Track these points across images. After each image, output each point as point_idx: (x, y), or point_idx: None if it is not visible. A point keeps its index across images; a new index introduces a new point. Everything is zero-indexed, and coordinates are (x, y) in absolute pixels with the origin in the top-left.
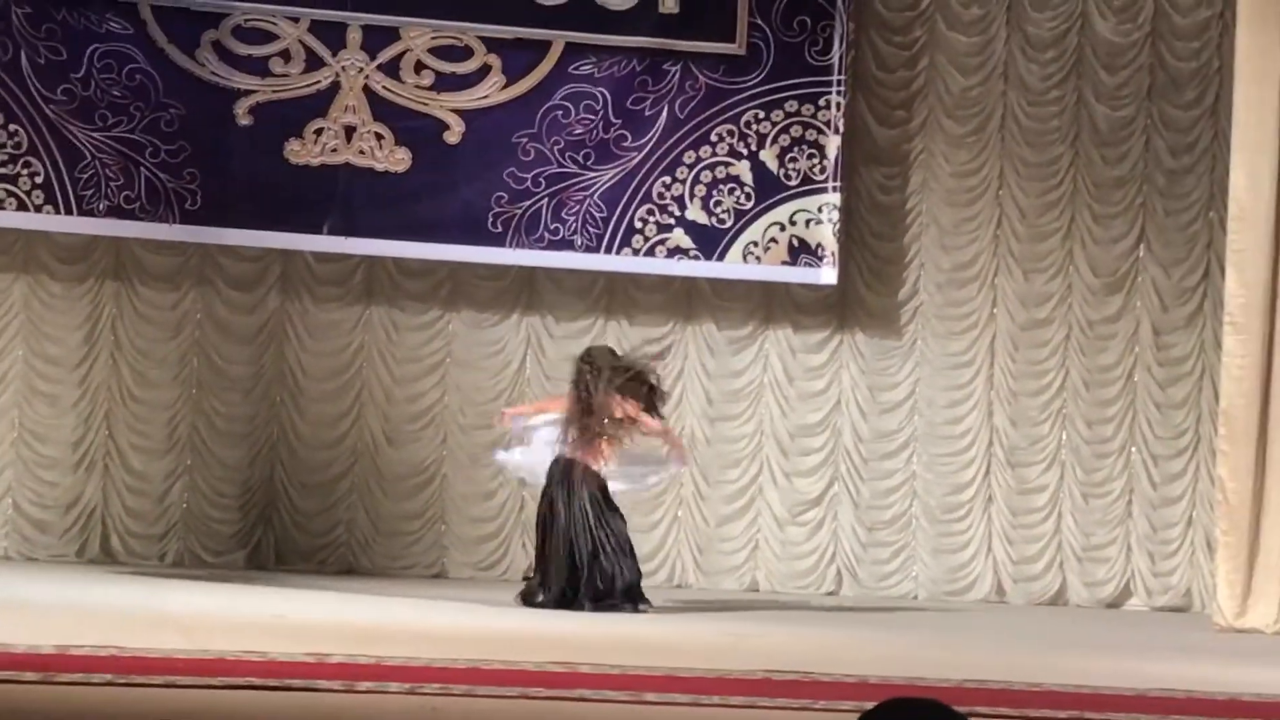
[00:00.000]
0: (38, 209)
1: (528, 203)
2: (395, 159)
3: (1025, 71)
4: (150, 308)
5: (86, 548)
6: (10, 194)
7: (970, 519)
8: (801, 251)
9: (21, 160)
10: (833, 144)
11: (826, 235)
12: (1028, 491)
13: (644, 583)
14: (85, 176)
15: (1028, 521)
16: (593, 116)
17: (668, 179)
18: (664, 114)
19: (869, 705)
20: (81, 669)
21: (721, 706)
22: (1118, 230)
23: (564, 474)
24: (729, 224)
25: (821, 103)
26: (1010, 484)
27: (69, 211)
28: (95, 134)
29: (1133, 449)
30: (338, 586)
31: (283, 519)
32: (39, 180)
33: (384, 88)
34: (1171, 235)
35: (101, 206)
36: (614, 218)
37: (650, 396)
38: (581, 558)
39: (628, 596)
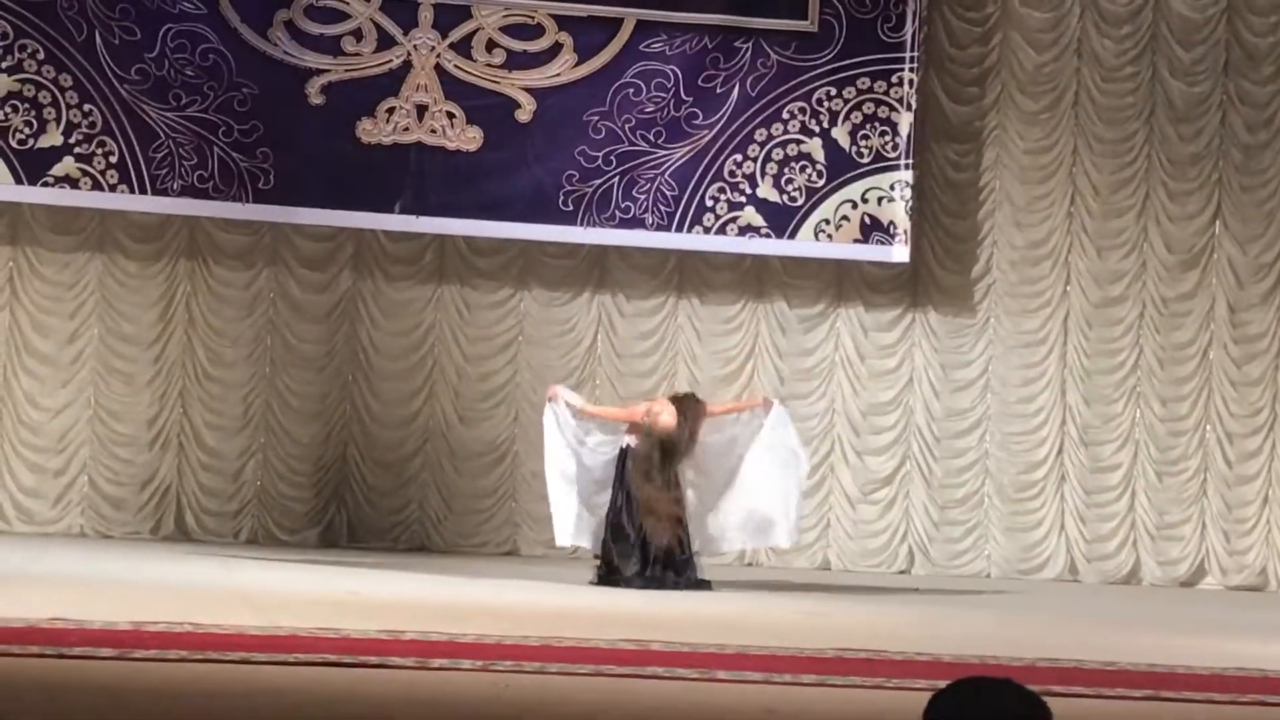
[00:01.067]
0: (112, 188)
1: (599, 181)
2: (467, 138)
3: (1099, 47)
4: (224, 286)
5: (161, 525)
6: (85, 173)
7: (1043, 497)
8: (873, 229)
9: (96, 140)
10: (905, 121)
11: (899, 213)
12: (1101, 470)
13: (714, 560)
14: (159, 156)
15: (1101, 500)
16: (664, 94)
17: (739, 157)
18: (735, 91)
19: (942, 684)
20: (157, 645)
21: (793, 685)
22: (1193, 207)
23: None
24: (800, 202)
25: (894, 79)
26: (1083, 462)
27: (143, 191)
28: (169, 114)
29: (1208, 427)
30: (410, 564)
31: (355, 497)
32: (114, 160)
33: (455, 66)
34: (1248, 211)
35: (175, 186)
36: (685, 196)
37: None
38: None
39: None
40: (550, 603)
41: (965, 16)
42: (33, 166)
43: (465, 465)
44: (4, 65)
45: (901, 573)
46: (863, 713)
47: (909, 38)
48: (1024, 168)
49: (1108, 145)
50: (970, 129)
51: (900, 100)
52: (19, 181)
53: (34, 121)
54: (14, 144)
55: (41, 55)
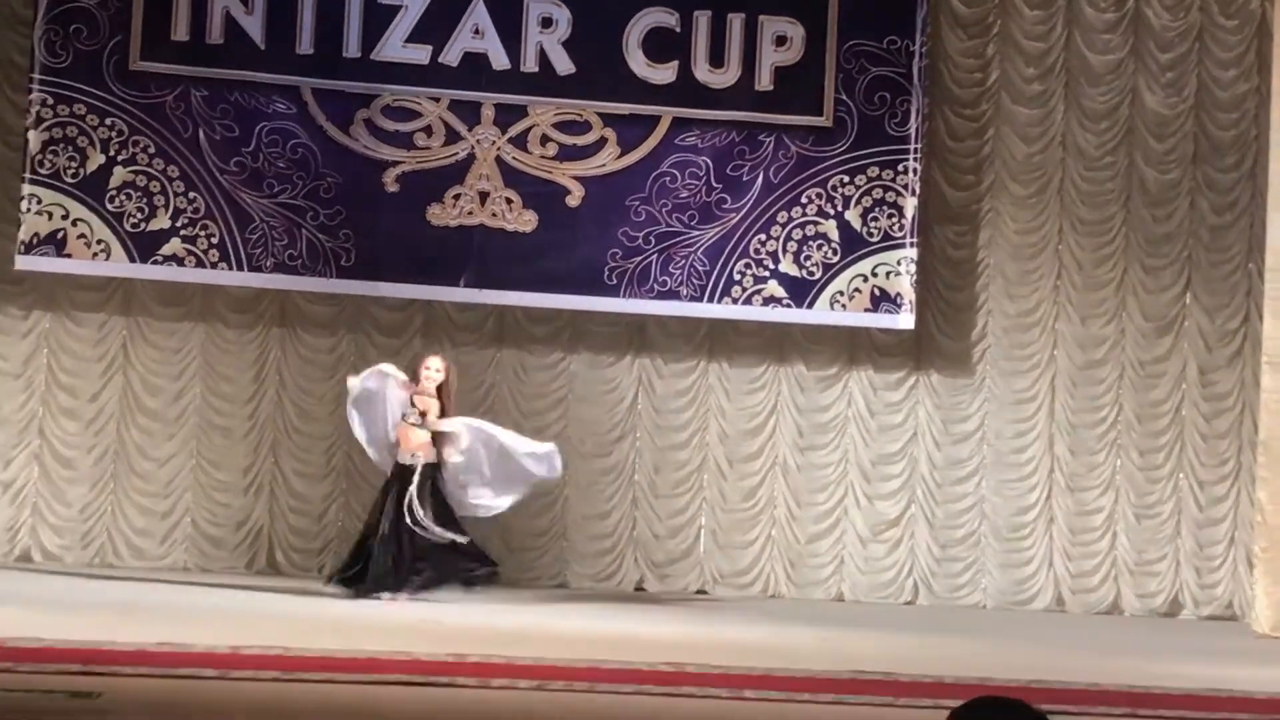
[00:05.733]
0: (213, 266)
1: (639, 258)
2: (523, 220)
3: (1082, 140)
4: (310, 351)
5: (254, 561)
6: (190, 253)
7: (1034, 537)
8: (882, 300)
9: (200, 224)
10: (910, 205)
11: (905, 285)
12: (1086, 513)
13: (740, 592)
14: (254, 237)
15: (1085, 540)
16: (697, 182)
17: (763, 236)
18: (760, 179)
19: (946, 703)
20: (252, 667)
21: (812, 703)
22: (1166, 280)
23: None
24: (818, 276)
25: (900, 168)
26: (1070, 506)
27: (240, 268)
28: (263, 200)
29: (1180, 475)
30: (474, 595)
31: None
32: (215, 241)
33: (513, 158)
34: (1214, 284)
35: (268, 263)
36: (715, 270)
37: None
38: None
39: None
40: (597, 629)
41: (962, 113)
42: (144, 247)
43: (521, 508)
44: (120, 158)
45: (908, 603)
46: None
47: (913, 132)
48: (1015, 246)
49: (1089, 226)
50: (967, 212)
51: (905, 187)
52: (132, 260)
53: (145, 208)
54: (128, 227)
55: (152, 150)
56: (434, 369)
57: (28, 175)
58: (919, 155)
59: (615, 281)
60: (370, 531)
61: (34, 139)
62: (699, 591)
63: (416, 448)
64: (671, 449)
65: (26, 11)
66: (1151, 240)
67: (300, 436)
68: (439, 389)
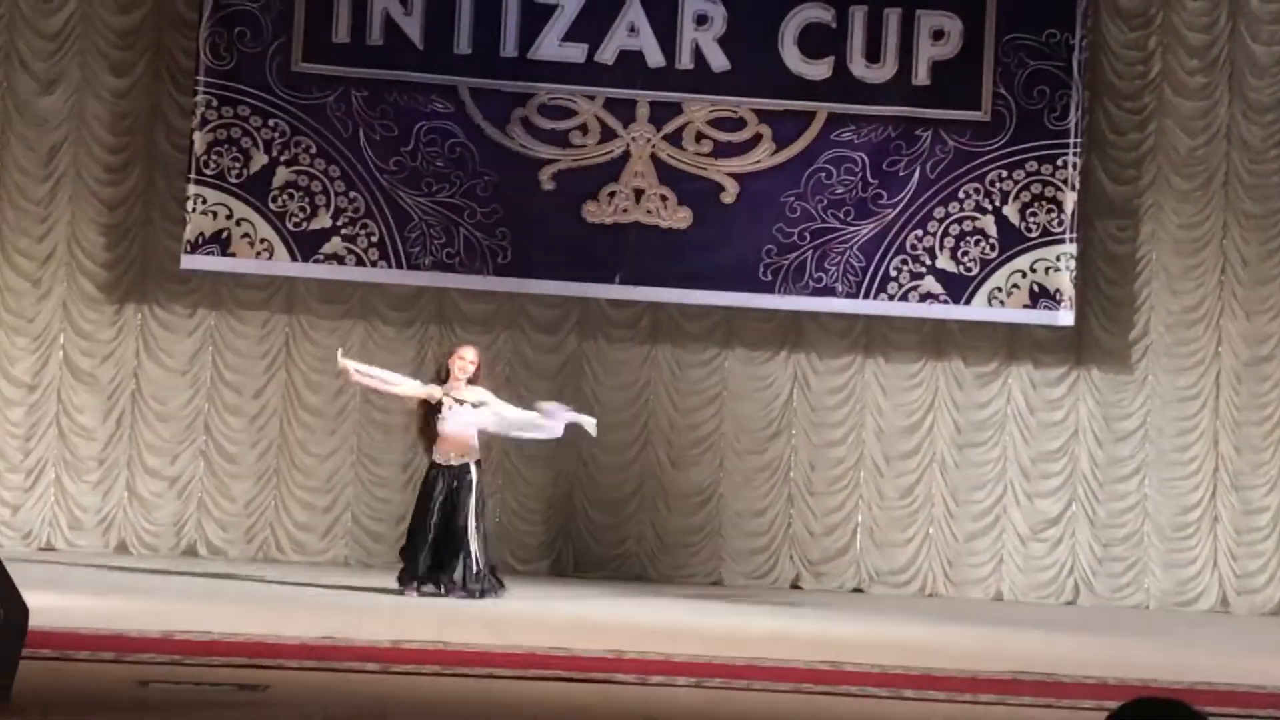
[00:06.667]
0: (373, 264)
1: (794, 254)
2: (678, 217)
3: (1247, 133)
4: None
5: None
6: (350, 251)
7: (1198, 537)
8: (1041, 296)
9: (360, 222)
10: (1069, 199)
11: (1064, 281)
12: (1251, 512)
13: (897, 591)
14: (413, 236)
15: (1251, 539)
16: (852, 177)
17: (920, 232)
18: (916, 174)
19: (1108, 705)
20: (413, 661)
21: (972, 704)
22: None
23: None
24: (975, 271)
25: (1059, 163)
26: (1235, 505)
27: (399, 266)
28: (421, 199)
29: None
30: (629, 592)
31: (581, 532)
32: (374, 239)
33: (668, 155)
34: None
35: (426, 261)
36: (871, 267)
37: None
38: None
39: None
40: (753, 627)
41: (1124, 106)
42: (306, 246)
43: (676, 505)
44: (283, 159)
45: (1068, 603)
46: None
47: (1073, 126)
48: (1178, 240)
49: (1255, 220)
50: (1129, 206)
51: (1065, 181)
52: (294, 259)
53: (307, 207)
54: (290, 226)
55: (314, 150)
56: (469, 359)
57: (193, 176)
58: (1079, 149)
59: (770, 278)
60: (424, 530)
61: (199, 140)
62: (855, 589)
63: (465, 450)
64: (827, 446)
65: (192, 15)
66: None
67: None
68: (471, 379)
